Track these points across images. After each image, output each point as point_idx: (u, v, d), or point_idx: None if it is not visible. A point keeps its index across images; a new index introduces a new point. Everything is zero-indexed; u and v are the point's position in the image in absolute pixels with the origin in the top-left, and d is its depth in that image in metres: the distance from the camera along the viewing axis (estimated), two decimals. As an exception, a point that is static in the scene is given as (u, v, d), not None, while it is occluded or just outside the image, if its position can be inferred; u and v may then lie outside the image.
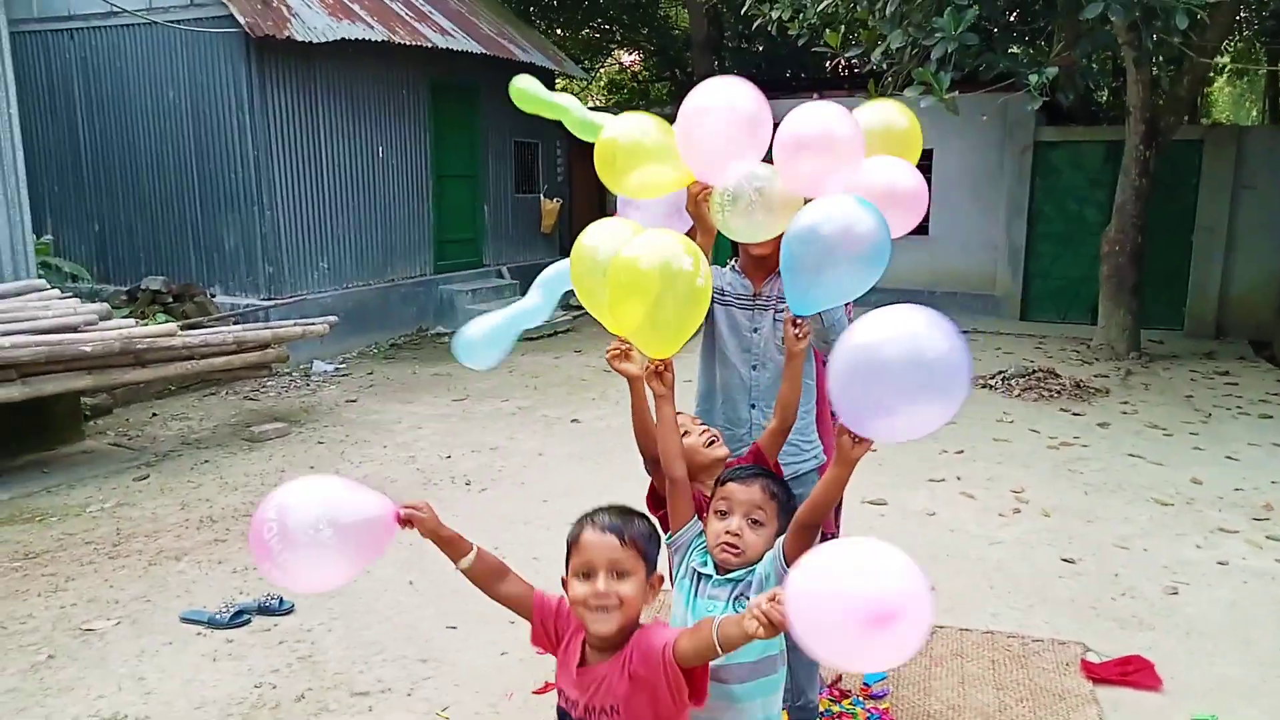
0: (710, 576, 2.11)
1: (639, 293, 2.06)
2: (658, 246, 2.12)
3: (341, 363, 9.51)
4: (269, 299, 9.26)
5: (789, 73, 17.43)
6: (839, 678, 3.65)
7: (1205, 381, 8.89)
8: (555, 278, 2.93)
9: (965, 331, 11.45)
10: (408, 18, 10.65)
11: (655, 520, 2.01)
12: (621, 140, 2.58)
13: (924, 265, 12.80)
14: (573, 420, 7.47)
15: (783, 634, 2.51)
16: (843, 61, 7.84)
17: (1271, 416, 7.63)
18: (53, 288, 7.62)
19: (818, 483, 2.08)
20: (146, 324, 7.15)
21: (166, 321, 8.31)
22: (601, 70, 25.77)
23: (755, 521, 2.10)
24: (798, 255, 2.18)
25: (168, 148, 9.56)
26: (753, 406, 2.85)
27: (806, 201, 2.54)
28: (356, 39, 9.45)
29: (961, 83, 8.57)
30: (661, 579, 1.90)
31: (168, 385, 7.98)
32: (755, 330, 2.84)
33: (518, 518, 5.36)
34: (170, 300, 9.19)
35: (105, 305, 6.72)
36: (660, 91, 22.15)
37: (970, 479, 6.04)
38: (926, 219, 12.84)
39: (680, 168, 2.56)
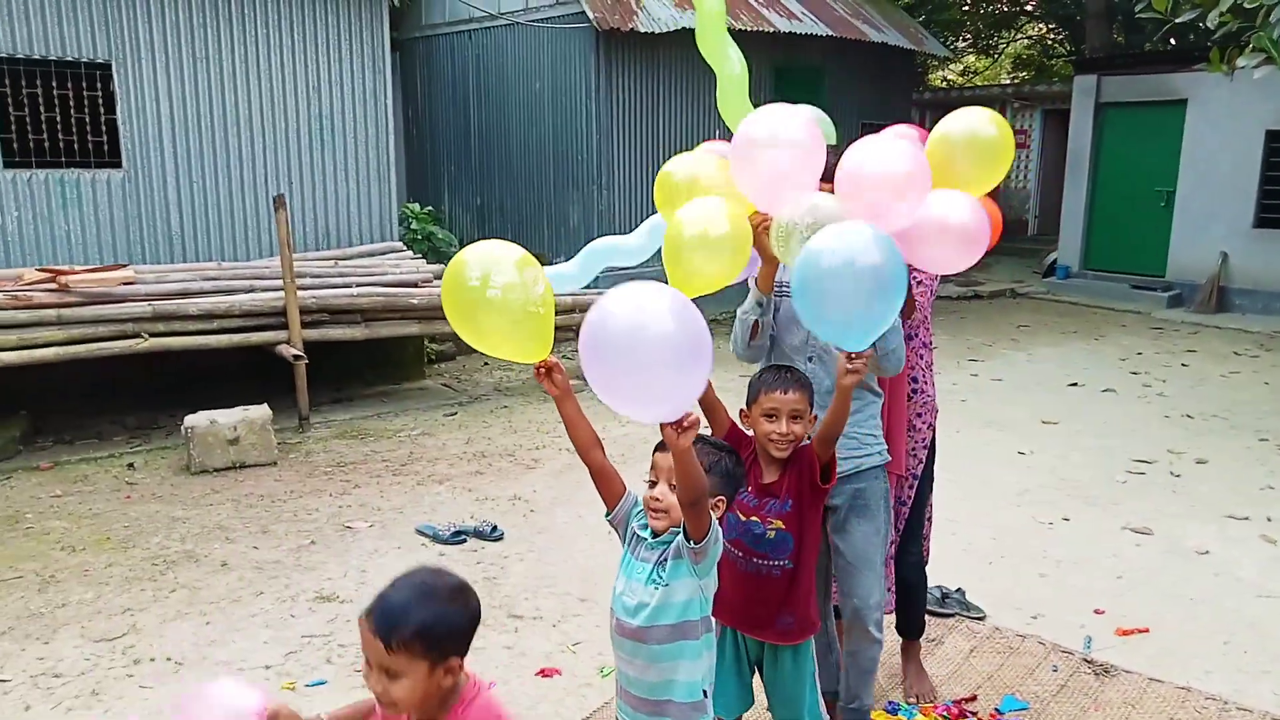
0: (645, 540, 2.21)
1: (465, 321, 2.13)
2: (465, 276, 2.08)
3: (660, 333, 10.14)
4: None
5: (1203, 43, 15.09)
6: (973, 696, 3.38)
7: None
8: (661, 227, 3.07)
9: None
10: (755, 4, 10.93)
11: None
12: (677, 177, 2.63)
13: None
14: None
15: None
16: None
17: None
18: (426, 252, 9.09)
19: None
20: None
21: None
22: (1008, 46, 24.32)
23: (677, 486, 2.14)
24: (811, 297, 2.24)
25: (532, 133, 10.82)
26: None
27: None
28: (698, 27, 9.93)
29: None
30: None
31: (503, 340, 9.12)
32: None
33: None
34: (523, 268, 10.45)
35: (441, 266, 7.87)
36: (1063, 67, 20.29)
37: (1284, 521, 5.05)
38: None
39: (738, 200, 2.56)
